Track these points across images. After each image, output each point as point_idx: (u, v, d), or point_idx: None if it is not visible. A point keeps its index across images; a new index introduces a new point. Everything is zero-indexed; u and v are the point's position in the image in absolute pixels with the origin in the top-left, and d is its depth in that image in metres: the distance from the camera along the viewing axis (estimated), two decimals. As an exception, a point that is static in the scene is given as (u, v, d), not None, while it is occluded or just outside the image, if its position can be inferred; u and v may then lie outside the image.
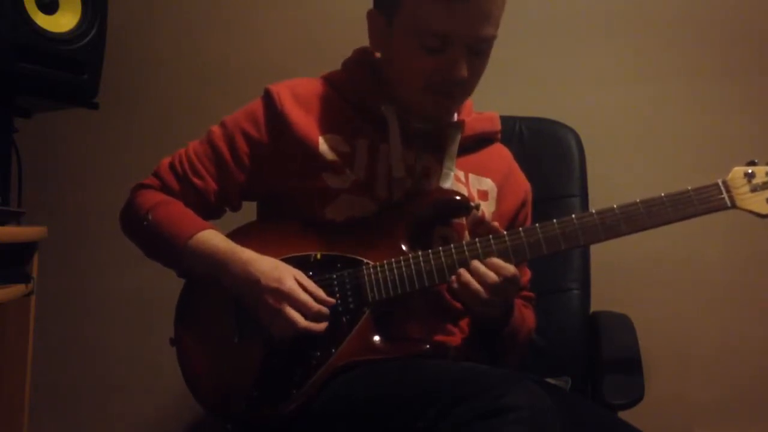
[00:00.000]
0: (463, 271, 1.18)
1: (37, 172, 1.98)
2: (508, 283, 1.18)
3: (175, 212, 1.31)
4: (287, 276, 1.19)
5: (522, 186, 1.45)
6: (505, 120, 1.48)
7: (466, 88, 1.28)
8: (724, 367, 2.00)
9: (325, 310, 1.19)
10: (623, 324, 1.61)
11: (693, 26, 2.02)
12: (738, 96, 2.00)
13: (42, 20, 1.64)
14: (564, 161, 1.75)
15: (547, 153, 1.76)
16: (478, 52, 1.23)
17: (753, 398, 1.99)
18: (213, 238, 1.27)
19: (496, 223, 1.25)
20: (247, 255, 1.23)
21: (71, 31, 1.69)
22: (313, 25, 2.12)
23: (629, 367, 1.45)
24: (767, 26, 2.00)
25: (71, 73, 1.70)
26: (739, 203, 1.19)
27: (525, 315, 1.37)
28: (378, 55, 1.35)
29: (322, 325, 1.19)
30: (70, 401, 2.17)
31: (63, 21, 1.69)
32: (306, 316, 1.17)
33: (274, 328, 1.19)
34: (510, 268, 1.18)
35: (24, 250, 1.70)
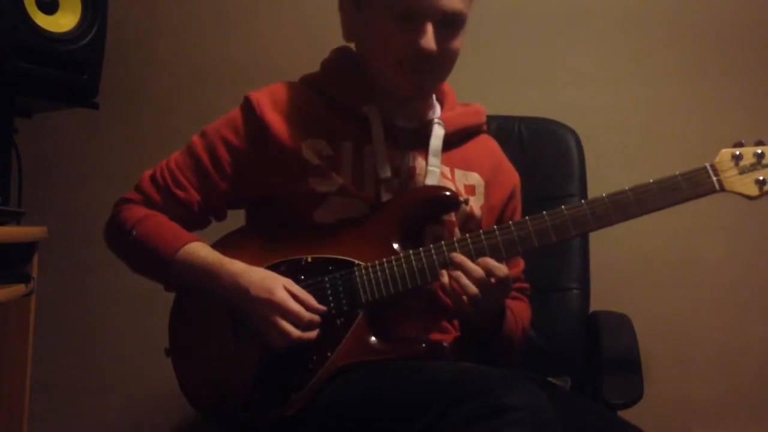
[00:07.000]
0: (451, 268, 1.18)
1: (37, 172, 1.98)
2: (499, 282, 1.17)
3: (161, 226, 1.30)
4: (277, 286, 1.19)
5: (510, 178, 1.43)
6: (505, 120, 1.48)
7: (438, 64, 1.27)
8: (724, 367, 2.00)
9: (316, 318, 1.19)
10: (623, 324, 1.61)
11: (693, 26, 2.02)
12: (738, 96, 2.00)
13: (42, 20, 1.64)
14: (564, 161, 1.75)
15: (547, 153, 1.76)
16: (447, 26, 1.24)
17: (753, 398, 1.99)
18: (200, 250, 1.26)
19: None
20: (236, 267, 1.22)
21: (71, 31, 1.69)
22: (313, 25, 2.12)
23: (629, 366, 1.45)
24: (767, 26, 2.00)
25: (71, 73, 1.70)
26: (727, 186, 1.18)
27: (518, 316, 1.35)
28: (354, 47, 1.36)
29: (313, 334, 1.18)
30: (69, 401, 2.17)
31: (63, 21, 1.68)
32: (298, 326, 1.17)
33: (267, 339, 1.19)
34: (502, 269, 1.17)
35: (24, 250, 1.70)
